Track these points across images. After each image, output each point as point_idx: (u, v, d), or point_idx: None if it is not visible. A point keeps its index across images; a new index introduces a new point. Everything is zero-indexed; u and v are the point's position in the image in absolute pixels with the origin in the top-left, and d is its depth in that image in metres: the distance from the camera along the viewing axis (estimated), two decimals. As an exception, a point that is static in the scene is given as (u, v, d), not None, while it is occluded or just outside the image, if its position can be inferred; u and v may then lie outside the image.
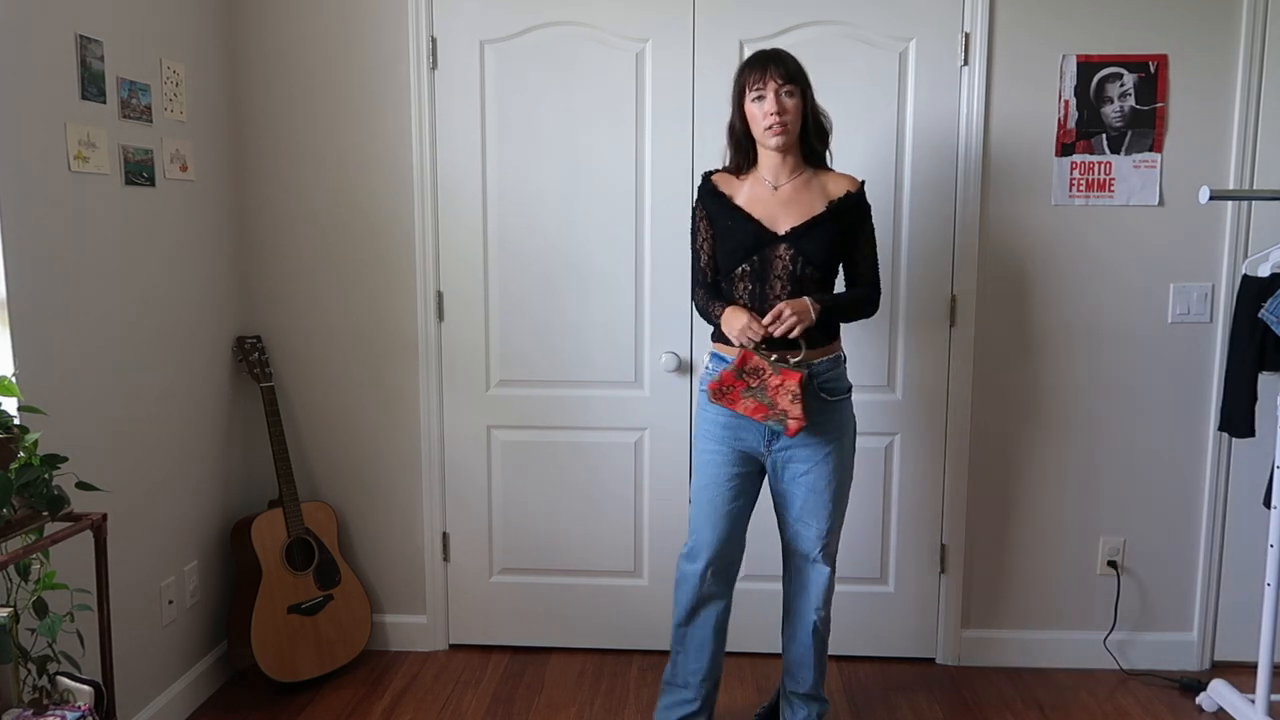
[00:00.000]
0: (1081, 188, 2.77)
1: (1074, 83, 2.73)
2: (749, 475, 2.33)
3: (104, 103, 2.27)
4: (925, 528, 2.93)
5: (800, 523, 2.32)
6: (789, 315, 2.15)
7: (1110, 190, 2.76)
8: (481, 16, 2.80)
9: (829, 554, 2.35)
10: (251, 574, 2.75)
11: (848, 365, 2.84)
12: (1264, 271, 2.52)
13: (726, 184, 2.31)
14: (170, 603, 2.59)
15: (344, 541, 3.02)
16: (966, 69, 2.73)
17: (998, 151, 2.76)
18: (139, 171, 2.41)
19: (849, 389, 2.35)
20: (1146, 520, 2.89)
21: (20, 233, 2.02)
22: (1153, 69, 2.71)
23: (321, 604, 2.84)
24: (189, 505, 2.69)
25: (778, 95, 2.18)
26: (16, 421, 1.79)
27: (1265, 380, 2.56)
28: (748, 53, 2.73)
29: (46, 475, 1.79)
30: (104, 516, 1.90)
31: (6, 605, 1.79)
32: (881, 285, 2.38)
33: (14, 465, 1.76)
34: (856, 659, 2.98)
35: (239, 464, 2.96)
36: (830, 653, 2.95)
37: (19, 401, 1.90)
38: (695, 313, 2.66)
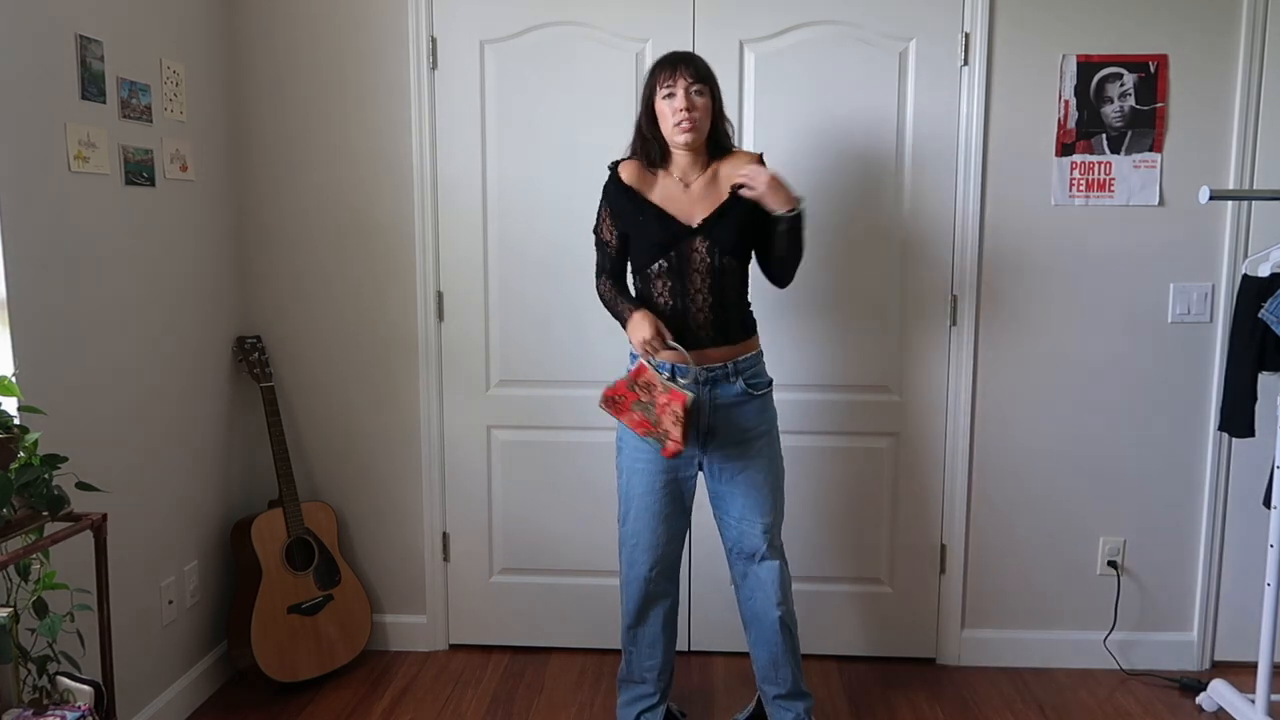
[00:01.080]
0: (1081, 188, 2.77)
1: (1074, 83, 2.73)
2: (684, 479, 2.35)
3: (104, 103, 2.27)
4: (925, 528, 2.93)
5: (745, 521, 2.33)
6: (765, 177, 2.16)
7: (1110, 190, 2.76)
8: (481, 16, 2.80)
9: (776, 547, 2.35)
10: (251, 574, 2.75)
11: (850, 365, 2.86)
12: (1264, 271, 2.52)
13: (637, 178, 2.30)
14: (170, 603, 2.59)
15: (344, 541, 3.02)
16: (966, 69, 2.73)
17: (997, 151, 2.76)
18: (139, 171, 2.41)
19: (770, 382, 2.37)
20: (1146, 520, 2.89)
21: (20, 233, 2.02)
22: (1153, 69, 2.71)
23: (321, 604, 2.84)
24: (189, 505, 2.69)
25: (687, 93, 2.20)
26: (16, 421, 1.79)
27: (1265, 380, 2.55)
28: (748, 53, 2.75)
29: (46, 475, 1.79)
30: (104, 516, 1.90)
31: (6, 605, 1.79)
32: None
33: (14, 465, 1.76)
34: (856, 659, 2.98)
35: (239, 464, 2.96)
36: (830, 653, 2.97)
37: (19, 401, 1.90)
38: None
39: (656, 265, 2.25)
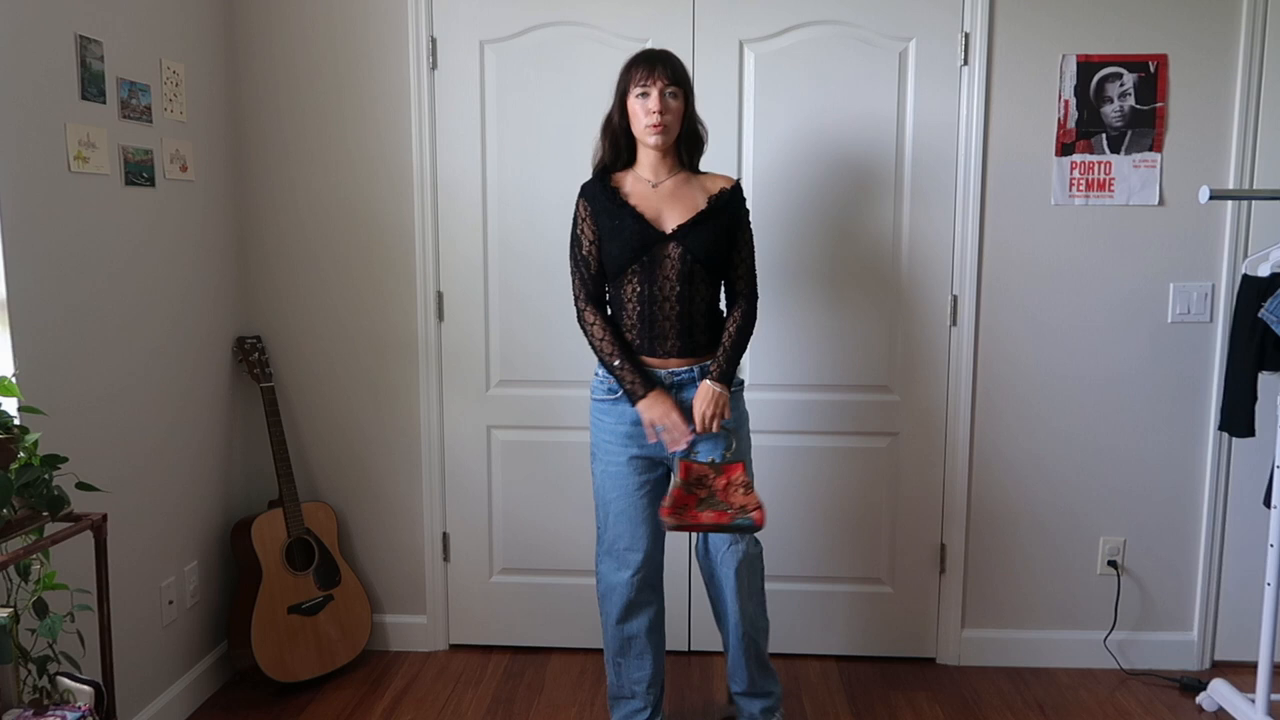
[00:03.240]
0: (1081, 187, 2.77)
1: (1074, 82, 2.73)
2: (658, 480, 2.34)
3: (104, 103, 2.27)
4: (925, 528, 2.93)
5: None
6: (712, 416, 2.21)
7: (1110, 190, 2.76)
8: (481, 16, 2.80)
9: (745, 551, 2.30)
10: (251, 574, 2.75)
11: (850, 365, 2.86)
12: (1264, 271, 2.52)
13: (613, 181, 2.32)
14: (170, 603, 2.60)
15: (344, 541, 3.02)
16: (966, 69, 2.73)
17: (997, 151, 2.76)
18: (139, 172, 2.41)
19: (741, 383, 2.37)
20: (1146, 520, 2.89)
21: (20, 233, 2.02)
22: (1152, 69, 2.71)
23: (321, 604, 2.84)
24: (189, 505, 2.69)
25: (662, 95, 2.20)
26: (16, 422, 1.79)
27: (1265, 380, 2.56)
28: (748, 53, 2.75)
29: (47, 475, 1.79)
30: (104, 517, 1.90)
31: (7, 606, 1.79)
32: (758, 287, 2.36)
33: (14, 465, 1.76)
34: (856, 659, 2.98)
35: (239, 464, 2.96)
36: (830, 653, 2.97)
37: (19, 401, 1.90)
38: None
39: (629, 270, 2.25)
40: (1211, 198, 2.43)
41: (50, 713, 1.74)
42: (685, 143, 2.29)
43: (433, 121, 2.84)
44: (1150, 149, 2.74)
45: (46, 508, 1.78)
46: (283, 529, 2.80)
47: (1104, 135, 2.75)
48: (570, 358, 2.90)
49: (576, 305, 2.34)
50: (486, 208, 2.88)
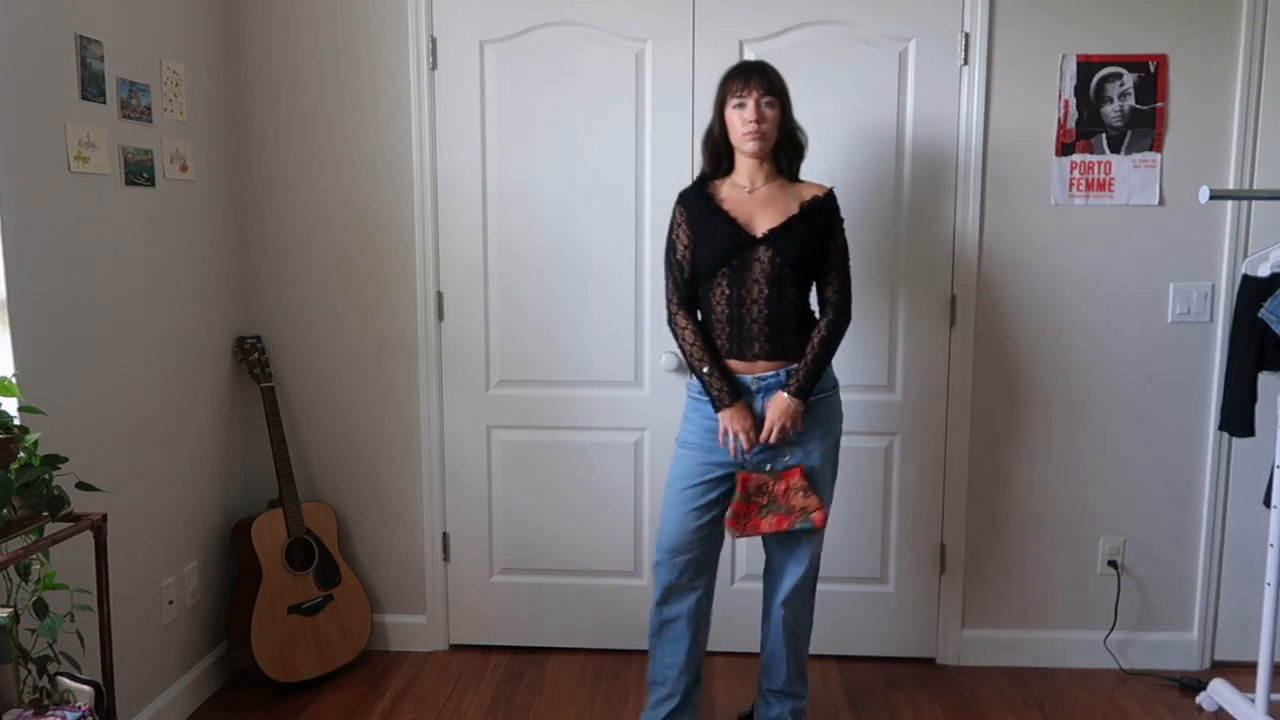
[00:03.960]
0: (1081, 187, 2.77)
1: (1074, 82, 2.73)
2: (722, 478, 2.34)
3: (104, 103, 2.27)
4: (925, 527, 2.93)
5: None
6: (780, 428, 2.24)
7: (1110, 190, 2.77)
8: (481, 16, 2.80)
9: (813, 552, 2.36)
10: (252, 574, 2.75)
11: (850, 365, 2.86)
12: (1264, 271, 2.52)
13: (710, 186, 2.35)
14: (170, 603, 2.60)
15: (344, 541, 3.02)
16: (966, 69, 2.73)
17: (997, 151, 2.76)
18: (139, 172, 2.41)
19: (834, 385, 2.37)
20: (1147, 520, 2.89)
21: (20, 233, 2.02)
22: (1152, 69, 2.71)
23: (321, 604, 2.84)
24: (189, 505, 2.69)
25: (758, 104, 2.23)
26: (16, 421, 1.79)
27: (1265, 380, 2.56)
28: (748, 52, 2.75)
29: (47, 475, 1.79)
30: (104, 517, 1.90)
31: (7, 605, 1.79)
32: (851, 295, 2.35)
33: (14, 465, 1.76)
34: (856, 659, 2.98)
35: (239, 464, 2.96)
36: (830, 653, 2.97)
37: (19, 401, 1.90)
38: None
39: (719, 272, 2.27)
40: (1211, 198, 2.43)
41: (50, 713, 1.74)
42: (784, 149, 2.31)
43: (433, 121, 2.84)
44: (1150, 149, 2.74)
45: (46, 508, 1.78)
46: (283, 529, 2.80)
47: (1104, 135, 2.75)
48: (570, 358, 2.91)
49: (668, 309, 2.36)
50: (486, 208, 2.88)
